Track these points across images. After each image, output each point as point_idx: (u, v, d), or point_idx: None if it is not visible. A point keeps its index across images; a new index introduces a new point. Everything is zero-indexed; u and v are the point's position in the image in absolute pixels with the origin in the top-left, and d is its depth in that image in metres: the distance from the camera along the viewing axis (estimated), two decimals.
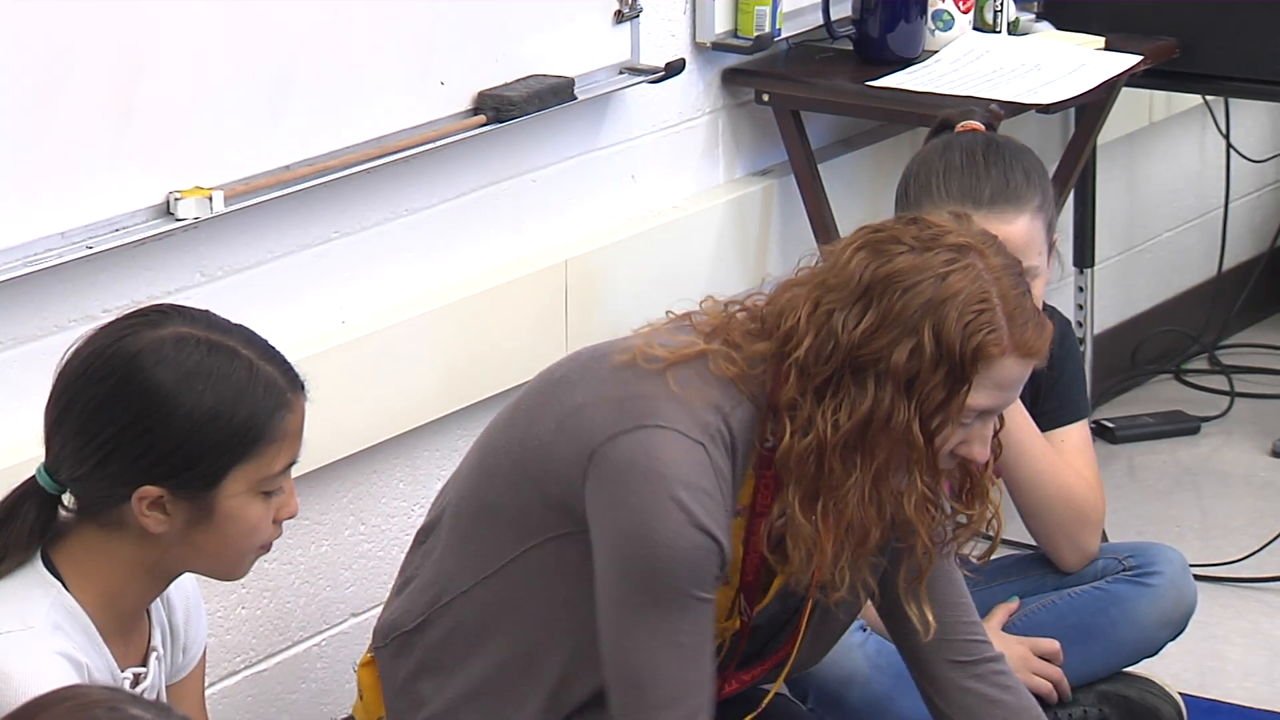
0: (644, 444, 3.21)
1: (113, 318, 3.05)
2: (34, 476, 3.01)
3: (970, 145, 3.83)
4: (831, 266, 3.24)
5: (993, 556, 4.00)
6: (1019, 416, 3.90)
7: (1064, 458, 4.01)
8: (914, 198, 3.80)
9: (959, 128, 3.91)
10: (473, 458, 3.47)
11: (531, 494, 3.30)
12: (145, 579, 3.05)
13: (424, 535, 3.48)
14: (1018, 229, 3.72)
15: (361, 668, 3.53)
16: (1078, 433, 4.05)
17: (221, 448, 2.95)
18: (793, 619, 3.41)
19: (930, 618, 3.36)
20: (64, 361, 3.01)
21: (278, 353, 3.03)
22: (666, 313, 3.44)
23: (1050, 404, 4.01)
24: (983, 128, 3.94)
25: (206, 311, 3.08)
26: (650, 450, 3.20)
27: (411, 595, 3.44)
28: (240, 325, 3.05)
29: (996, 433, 3.33)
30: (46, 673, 2.83)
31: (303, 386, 3.03)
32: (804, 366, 3.20)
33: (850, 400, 3.19)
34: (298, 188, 3.67)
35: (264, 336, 3.05)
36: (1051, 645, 3.96)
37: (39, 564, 3.02)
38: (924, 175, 3.80)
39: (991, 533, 3.45)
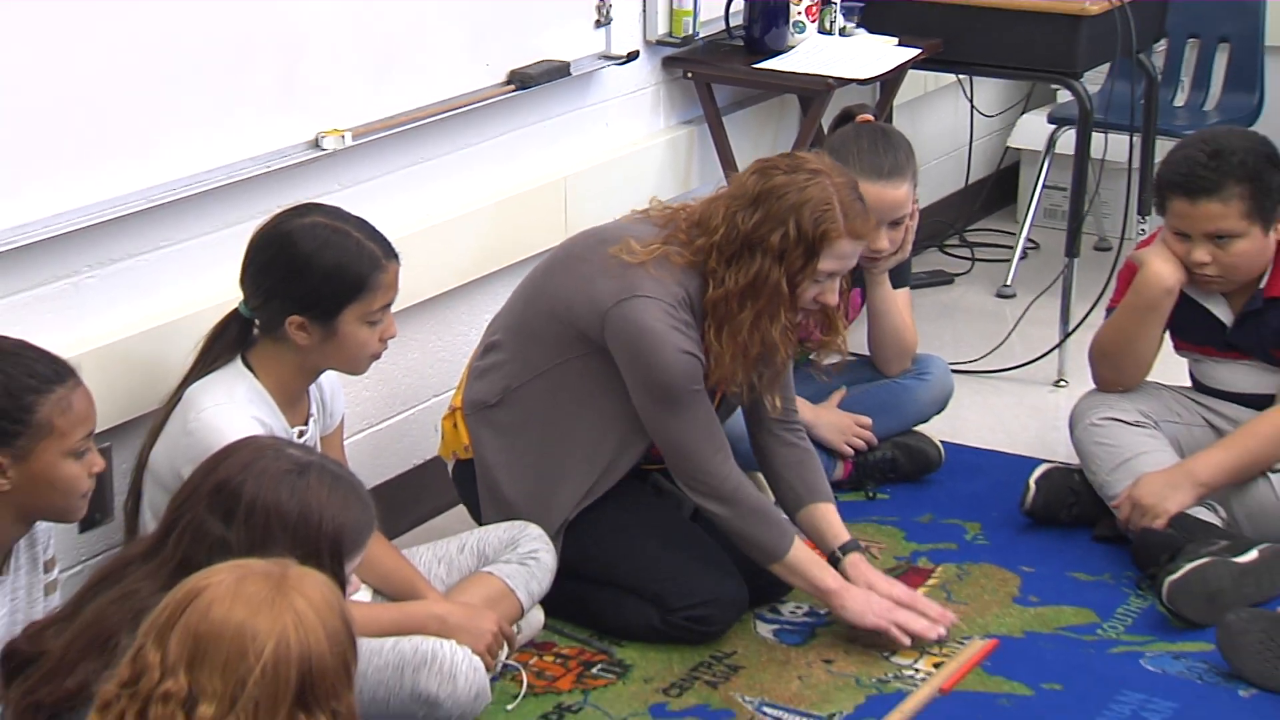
0: (639, 307, 3.23)
1: (278, 210, 3.08)
2: (237, 308, 3.02)
3: (872, 135, 3.86)
4: (738, 184, 3.30)
5: (834, 361, 4.05)
6: (889, 291, 4.00)
7: (899, 305, 4.04)
8: None
9: (859, 119, 3.96)
10: (517, 300, 3.49)
11: (561, 327, 3.33)
12: (301, 373, 3.10)
13: (489, 348, 3.49)
14: (902, 192, 3.81)
15: (444, 420, 3.55)
16: (905, 294, 4.07)
17: (339, 293, 2.99)
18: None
19: (779, 403, 3.42)
20: (250, 237, 3.04)
21: (379, 233, 3.07)
22: (631, 210, 3.47)
23: (894, 274, 4.03)
24: (873, 119, 3.98)
25: (337, 208, 3.13)
26: (644, 311, 3.23)
27: (489, 383, 3.45)
28: (358, 217, 3.08)
29: (844, 291, 3.36)
30: (244, 428, 2.87)
31: (396, 256, 3.06)
32: (720, 247, 3.25)
33: (745, 266, 3.23)
34: (398, 129, 3.62)
35: (372, 223, 3.07)
36: (865, 420, 3.99)
37: (239, 363, 3.06)
38: (842, 154, 3.77)
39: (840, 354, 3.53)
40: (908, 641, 3.31)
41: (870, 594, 3.34)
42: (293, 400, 3.07)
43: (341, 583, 2.22)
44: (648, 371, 3.25)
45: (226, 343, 3.04)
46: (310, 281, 2.96)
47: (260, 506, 2.22)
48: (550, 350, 3.36)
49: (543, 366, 3.37)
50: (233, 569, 1.93)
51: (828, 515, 3.45)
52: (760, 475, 3.68)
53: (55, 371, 2.57)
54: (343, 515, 2.26)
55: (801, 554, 3.33)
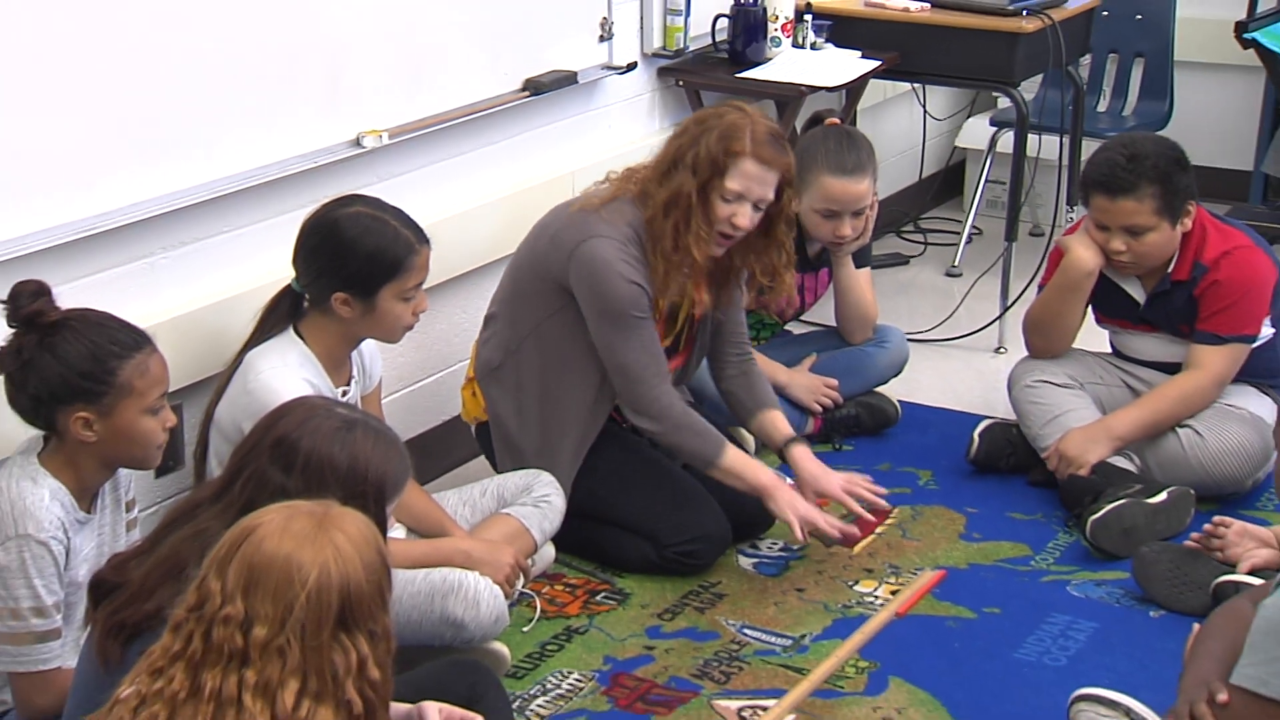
0: (594, 245, 3.23)
1: (326, 200, 3.05)
2: (290, 284, 3.01)
3: (838, 136, 3.85)
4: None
5: (805, 331, 4.05)
6: (852, 271, 3.97)
7: (861, 283, 4.02)
8: (806, 165, 3.81)
9: (827, 122, 3.93)
10: (506, 276, 3.48)
11: (541, 283, 3.34)
12: (345, 341, 3.07)
13: (488, 321, 3.49)
14: (864, 186, 3.78)
15: (464, 390, 3.53)
16: (867, 273, 4.05)
17: (378, 273, 2.96)
18: (681, 344, 3.43)
19: (753, 297, 3.50)
20: (301, 224, 3.02)
21: (413, 220, 3.03)
22: (594, 183, 3.46)
23: (857, 256, 4.01)
24: (839, 122, 3.95)
25: (377, 198, 3.09)
26: (598, 247, 3.23)
27: (491, 349, 3.44)
28: (395, 206, 3.06)
29: (781, 244, 3.33)
30: (295, 388, 2.86)
31: (428, 241, 3.03)
32: (657, 165, 3.28)
33: (669, 182, 3.23)
34: (429, 130, 3.61)
35: (407, 212, 3.04)
36: (832, 381, 3.98)
37: (291, 332, 3.03)
38: (812, 152, 3.79)
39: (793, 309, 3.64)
40: (803, 539, 3.27)
41: (797, 496, 3.31)
42: (337, 364, 3.06)
43: (383, 523, 2.22)
44: (599, 298, 3.23)
45: (280, 314, 3.03)
46: (353, 263, 2.95)
47: (315, 458, 2.21)
48: (535, 309, 3.35)
49: (530, 327, 3.36)
50: (282, 509, 1.93)
51: (774, 419, 3.46)
52: (742, 430, 3.70)
53: (134, 339, 2.57)
54: (384, 465, 2.25)
55: (735, 458, 3.31)
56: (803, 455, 3.40)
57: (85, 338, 2.53)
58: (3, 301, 2.55)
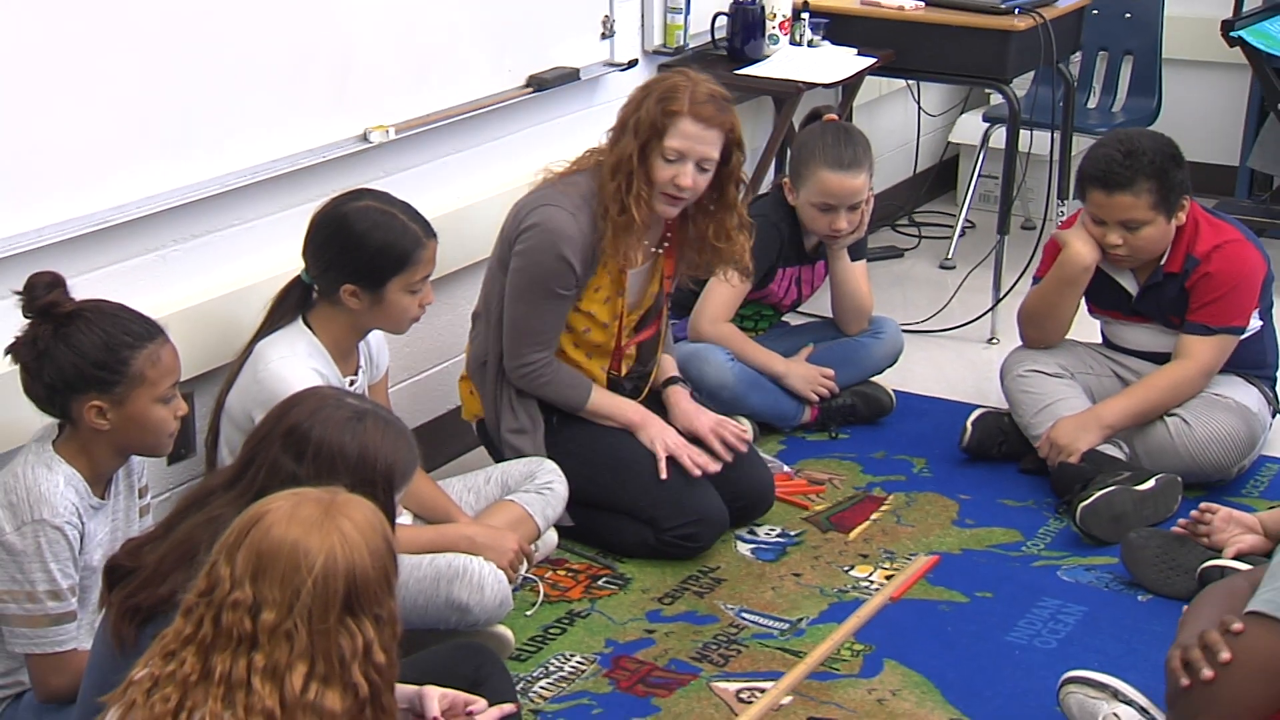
0: (546, 212, 3.25)
1: (334, 194, 3.04)
2: (299, 275, 3.00)
3: (836, 132, 3.84)
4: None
5: (802, 322, 4.04)
6: (848, 263, 3.97)
7: (857, 275, 4.02)
8: (804, 159, 3.81)
9: (825, 118, 3.91)
10: (489, 266, 3.46)
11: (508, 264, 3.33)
12: (352, 331, 3.07)
13: (474, 320, 3.49)
14: (860, 181, 3.78)
15: (461, 387, 3.53)
16: (862, 266, 4.04)
17: (386, 266, 2.95)
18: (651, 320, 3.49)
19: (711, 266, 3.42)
20: (311, 217, 3.01)
21: (420, 215, 3.02)
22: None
23: (853, 249, 4.00)
24: (837, 118, 3.94)
25: (385, 193, 3.09)
26: (549, 215, 3.25)
27: (479, 344, 3.44)
28: (403, 200, 3.05)
29: (733, 206, 3.32)
30: (304, 378, 2.86)
31: (434, 235, 3.02)
32: (610, 136, 3.30)
33: (616, 146, 3.25)
34: (434, 125, 3.59)
35: (414, 206, 3.03)
36: (829, 371, 3.97)
37: (300, 322, 3.03)
38: (810, 147, 3.78)
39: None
40: (665, 475, 3.31)
41: (666, 428, 3.38)
42: (345, 354, 3.06)
43: (391, 511, 2.21)
44: (531, 259, 3.25)
45: (290, 305, 3.03)
46: (362, 256, 2.94)
47: (326, 447, 2.21)
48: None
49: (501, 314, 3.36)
50: (290, 496, 1.92)
51: (665, 361, 3.56)
52: (741, 418, 3.70)
53: (147, 330, 2.56)
54: (393, 455, 2.25)
55: (600, 399, 3.38)
56: (678, 394, 3.50)
57: (99, 328, 2.52)
58: (19, 293, 2.55)
